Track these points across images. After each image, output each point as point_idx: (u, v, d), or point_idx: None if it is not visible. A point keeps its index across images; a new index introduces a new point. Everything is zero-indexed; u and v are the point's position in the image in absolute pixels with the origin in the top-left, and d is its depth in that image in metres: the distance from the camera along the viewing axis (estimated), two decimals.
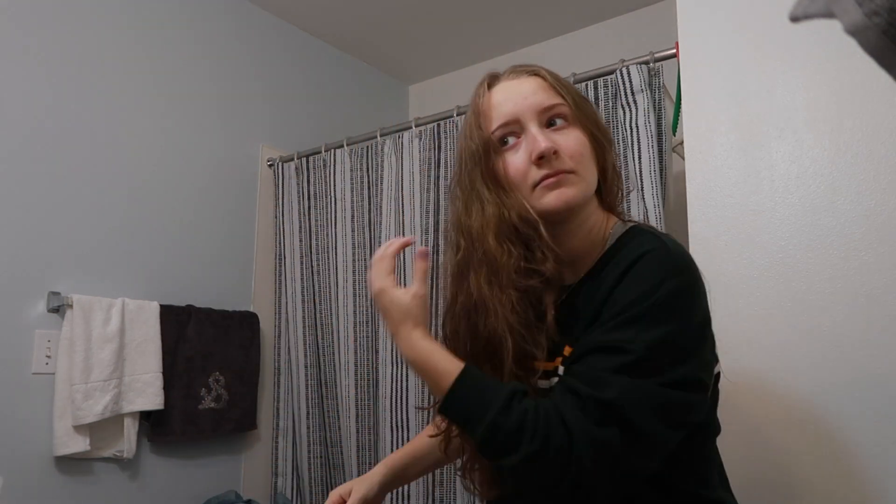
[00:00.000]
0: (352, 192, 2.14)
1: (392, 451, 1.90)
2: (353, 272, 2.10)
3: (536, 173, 0.82)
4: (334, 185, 2.19)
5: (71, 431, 1.67)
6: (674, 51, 1.48)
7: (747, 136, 1.28)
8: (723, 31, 1.33)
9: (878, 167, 1.14)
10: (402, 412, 1.91)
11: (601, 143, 0.87)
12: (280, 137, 2.44)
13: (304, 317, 2.21)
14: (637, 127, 1.57)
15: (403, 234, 1.98)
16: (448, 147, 1.92)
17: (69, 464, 1.71)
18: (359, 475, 2.00)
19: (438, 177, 1.93)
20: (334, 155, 2.20)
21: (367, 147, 2.14)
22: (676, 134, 1.63)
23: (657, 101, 1.58)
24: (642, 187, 1.54)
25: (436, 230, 1.91)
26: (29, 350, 1.68)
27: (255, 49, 2.39)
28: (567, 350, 0.82)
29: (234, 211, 2.25)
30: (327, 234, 2.20)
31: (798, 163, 1.22)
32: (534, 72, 0.88)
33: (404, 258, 1.97)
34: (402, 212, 2.00)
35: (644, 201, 1.53)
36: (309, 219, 2.25)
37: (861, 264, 1.14)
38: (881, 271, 1.12)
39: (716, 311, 1.24)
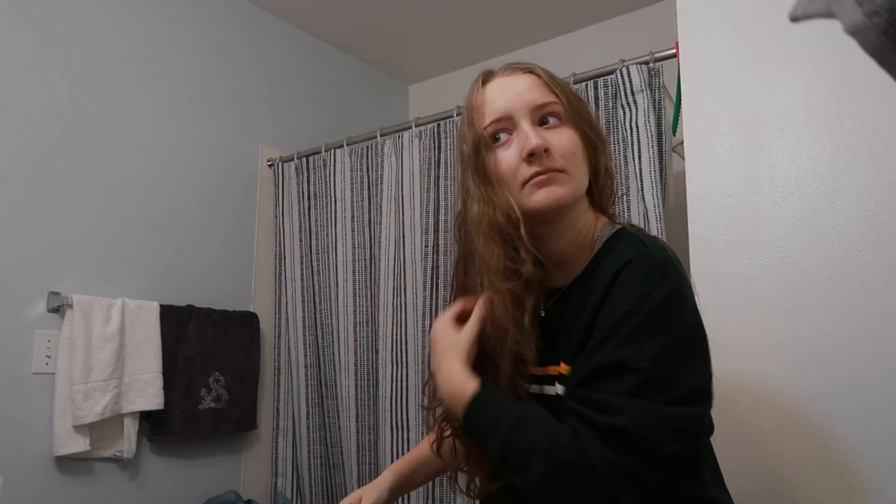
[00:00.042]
0: (352, 192, 2.14)
1: (392, 451, 1.91)
2: (353, 272, 2.10)
3: (527, 170, 0.81)
4: (334, 185, 2.19)
5: (71, 431, 1.67)
6: (674, 51, 1.48)
7: (747, 136, 1.28)
8: (723, 31, 1.33)
9: (878, 167, 1.14)
10: (402, 412, 1.91)
11: (594, 143, 0.87)
12: (280, 137, 2.44)
13: (304, 317, 2.21)
14: (637, 127, 1.57)
15: (403, 235, 1.99)
16: (448, 147, 1.92)
17: (69, 464, 1.71)
18: (359, 475, 2.02)
19: (438, 177, 1.93)
20: (334, 155, 2.20)
21: (367, 147, 2.14)
22: (676, 134, 1.63)
23: (657, 101, 1.58)
24: (642, 187, 1.54)
25: (436, 230, 1.91)
26: (29, 350, 1.68)
27: (256, 49, 2.39)
28: (563, 367, 0.81)
29: (234, 211, 2.26)
30: (327, 234, 2.20)
31: (798, 163, 1.22)
32: (529, 69, 0.88)
33: (404, 259, 1.98)
34: (402, 212, 2.00)
35: (644, 201, 1.53)
36: (309, 219, 2.25)
37: (861, 264, 1.14)
38: (881, 271, 1.12)
39: (716, 311, 1.25)
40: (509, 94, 0.85)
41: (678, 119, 1.56)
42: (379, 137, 2.12)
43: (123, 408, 1.77)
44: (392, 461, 1.90)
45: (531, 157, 0.81)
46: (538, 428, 0.74)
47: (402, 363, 1.93)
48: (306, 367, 2.20)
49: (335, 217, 2.18)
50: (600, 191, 0.90)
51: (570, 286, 0.86)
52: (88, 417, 1.68)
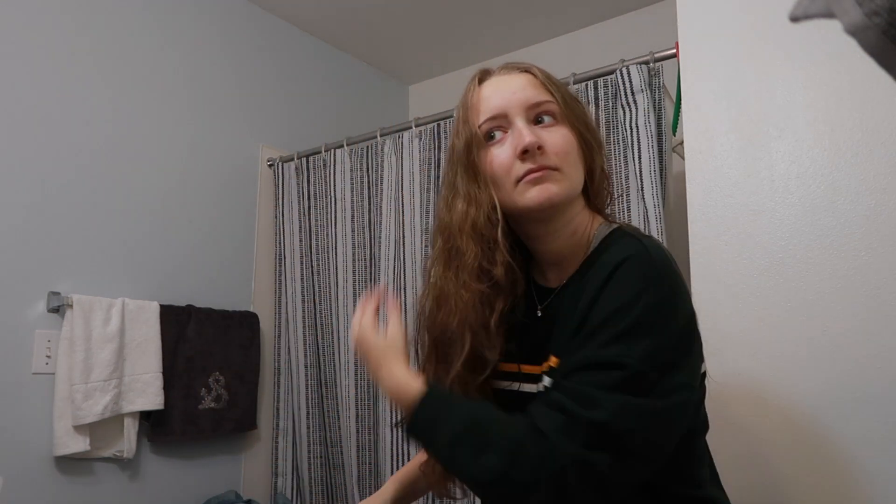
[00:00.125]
0: (352, 192, 2.14)
1: (392, 450, 1.91)
2: (353, 272, 2.11)
3: (520, 168, 0.81)
4: (334, 185, 2.19)
5: (71, 431, 1.67)
6: (674, 51, 1.48)
7: (747, 136, 1.28)
8: (723, 31, 1.33)
9: (878, 167, 1.14)
10: (402, 412, 1.91)
11: (589, 143, 0.87)
12: (280, 137, 2.44)
13: (304, 317, 2.22)
14: (637, 127, 1.57)
15: (403, 235, 1.99)
16: (448, 147, 1.92)
17: (69, 464, 1.71)
18: (359, 475, 2.02)
19: (438, 177, 1.93)
20: (334, 155, 2.20)
21: (367, 147, 2.14)
22: (676, 134, 1.63)
23: (657, 101, 1.58)
24: (642, 187, 1.54)
25: None
26: (29, 350, 1.68)
27: (256, 49, 2.39)
28: (553, 360, 0.80)
29: (234, 211, 2.26)
30: (327, 234, 2.20)
31: (798, 163, 1.22)
32: (525, 69, 0.88)
33: (404, 259, 1.98)
34: (402, 212, 2.00)
35: (644, 201, 1.53)
36: (309, 219, 2.25)
37: (861, 264, 1.13)
38: (881, 271, 1.12)
39: (715, 311, 1.25)
40: (505, 92, 0.85)
41: (678, 119, 1.56)
42: (379, 137, 2.12)
43: (123, 408, 1.77)
44: (392, 461, 1.90)
45: (525, 154, 0.81)
46: (490, 421, 0.74)
47: None
48: (306, 367, 2.20)
49: (335, 217, 2.18)
50: (596, 191, 0.90)
51: (565, 285, 0.86)
52: (88, 417, 1.68)
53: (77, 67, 1.85)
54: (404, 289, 1.96)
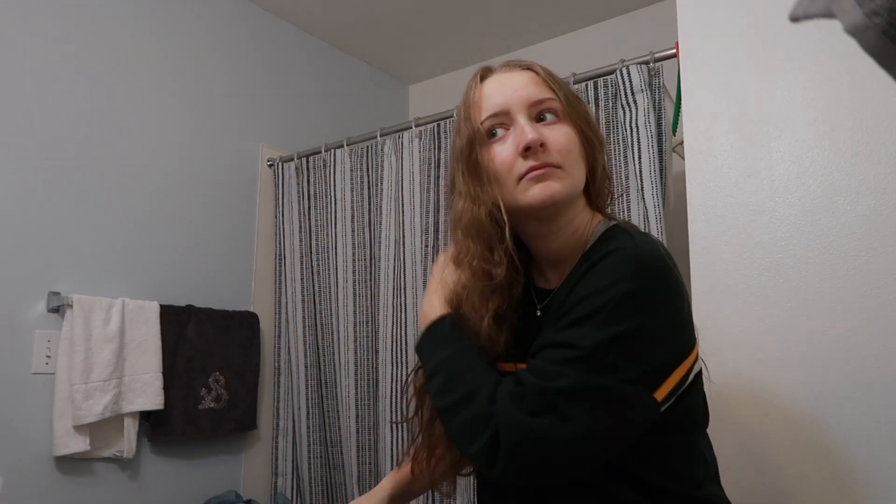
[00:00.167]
0: (352, 192, 2.14)
1: (392, 451, 1.91)
2: (353, 272, 2.11)
3: (522, 165, 0.81)
4: (334, 185, 2.19)
5: (71, 431, 1.67)
6: (674, 51, 1.48)
7: (747, 136, 1.28)
8: (723, 31, 1.33)
9: (878, 167, 1.14)
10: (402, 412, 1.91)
11: (591, 141, 0.86)
12: (280, 137, 2.44)
13: (304, 317, 2.22)
14: (637, 127, 1.57)
15: (403, 235, 1.99)
16: (448, 147, 1.92)
17: (69, 464, 1.71)
18: (359, 475, 2.02)
19: (438, 177, 1.93)
20: (334, 155, 2.20)
21: (367, 147, 2.14)
22: (676, 134, 1.63)
23: (657, 101, 1.58)
24: (642, 187, 1.54)
25: (436, 230, 1.91)
26: (29, 350, 1.68)
27: (256, 49, 2.39)
28: None
29: (234, 211, 2.26)
30: (327, 234, 2.20)
31: (798, 163, 1.22)
32: (527, 66, 0.88)
33: (404, 259, 1.98)
34: (402, 212, 2.00)
35: (644, 201, 1.53)
36: (309, 219, 2.25)
37: (861, 264, 1.14)
38: (881, 271, 1.12)
39: (715, 311, 1.25)
40: (507, 89, 0.85)
41: (678, 119, 1.56)
42: (379, 137, 2.12)
43: (123, 408, 1.77)
44: (392, 461, 1.90)
45: (527, 151, 0.80)
46: (467, 367, 0.79)
47: (402, 363, 1.93)
48: (306, 367, 2.20)
49: (335, 217, 2.18)
50: (597, 190, 0.89)
51: (562, 284, 0.85)
52: (88, 417, 1.68)
53: (78, 68, 1.85)
54: (404, 289, 1.96)
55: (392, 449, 1.91)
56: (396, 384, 1.93)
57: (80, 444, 1.68)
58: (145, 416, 1.87)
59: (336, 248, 2.16)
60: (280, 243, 2.32)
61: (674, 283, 0.75)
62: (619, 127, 1.61)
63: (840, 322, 1.14)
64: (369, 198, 2.12)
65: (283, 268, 2.30)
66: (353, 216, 2.13)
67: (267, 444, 2.25)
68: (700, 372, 0.83)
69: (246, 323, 2.15)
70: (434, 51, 2.79)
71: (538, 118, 0.84)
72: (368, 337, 2.06)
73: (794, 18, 0.44)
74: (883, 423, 1.09)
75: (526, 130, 0.81)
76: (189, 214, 2.10)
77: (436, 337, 0.85)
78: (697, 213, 1.31)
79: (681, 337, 0.76)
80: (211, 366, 2.01)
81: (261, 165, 2.36)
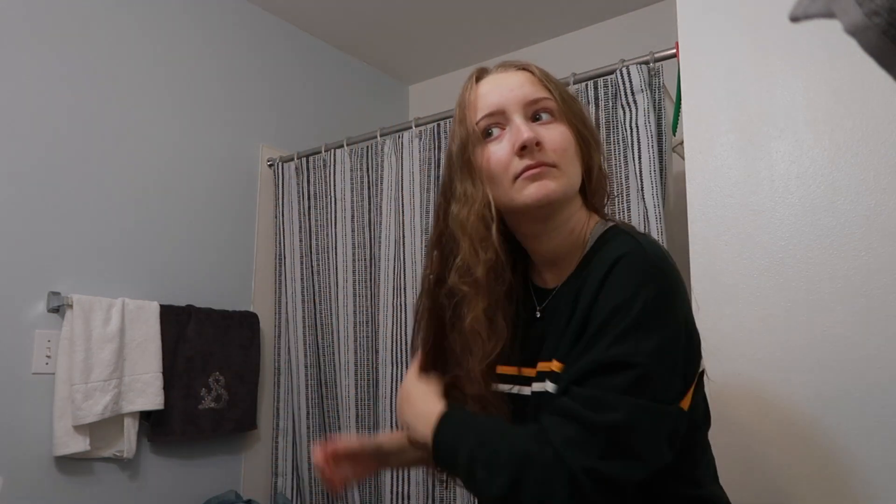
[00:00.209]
0: (352, 192, 2.14)
1: None
2: (353, 272, 2.11)
3: (518, 164, 0.81)
4: (334, 185, 2.19)
5: (71, 431, 1.67)
6: (674, 51, 1.48)
7: (747, 136, 1.28)
8: (723, 31, 1.33)
9: (878, 167, 1.14)
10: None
11: (588, 141, 0.86)
12: (280, 137, 2.44)
13: (304, 317, 2.22)
14: (637, 127, 1.57)
15: (403, 235, 1.99)
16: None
17: (69, 464, 1.71)
18: None
19: (438, 177, 1.93)
20: (334, 155, 2.20)
21: (367, 147, 2.14)
22: (676, 134, 1.63)
23: (657, 101, 1.58)
24: (642, 187, 1.54)
25: None
26: (29, 350, 1.68)
27: (256, 49, 2.39)
28: (556, 364, 0.79)
29: (234, 211, 2.25)
30: (327, 234, 2.20)
31: (798, 163, 1.22)
32: (523, 66, 0.88)
33: (404, 259, 1.98)
34: (402, 212, 2.00)
35: (644, 201, 1.53)
36: (309, 219, 2.25)
37: (861, 264, 1.13)
38: (881, 271, 1.12)
39: (715, 311, 1.25)
40: (502, 89, 0.85)
41: (678, 119, 1.56)
42: (379, 137, 2.12)
43: (123, 408, 1.77)
44: None
45: (523, 150, 0.80)
46: (499, 439, 0.74)
47: (402, 363, 1.93)
48: (306, 367, 2.20)
49: (335, 217, 2.18)
50: (594, 190, 0.89)
51: (563, 285, 0.85)
52: (88, 417, 1.68)
53: (76, 68, 1.85)
54: (404, 289, 1.96)
55: None
56: (396, 384, 1.93)
57: (80, 444, 1.68)
58: (145, 416, 1.87)
59: (336, 248, 2.16)
60: (280, 243, 2.31)
61: (682, 284, 0.77)
62: (619, 127, 1.61)
63: (840, 322, 1.14)
64: (369, 198, 2.12)
65: (283, 268, 2.30)
66: (353, 216, 2.13)
67: (267, 444, 2.25)
68: (703, 372, 0.83)
69: (246, 323, 2.15)
70: (434, 51, 2.79)
71: (534, 118, 0.84)
72: (368, 337, 2.06)
73: (794, 18, 0.44)
74: (882, 423, 1.09)
75: (522, 129, 0.81)
76: (189, 214, 2.10)
77: (452, 432, 0.79)
78: (697, 213, 1.31)
79: (695, 338, 0.78)
80: (211, 366, 2.01)
81: (261, 165, 2.35)
